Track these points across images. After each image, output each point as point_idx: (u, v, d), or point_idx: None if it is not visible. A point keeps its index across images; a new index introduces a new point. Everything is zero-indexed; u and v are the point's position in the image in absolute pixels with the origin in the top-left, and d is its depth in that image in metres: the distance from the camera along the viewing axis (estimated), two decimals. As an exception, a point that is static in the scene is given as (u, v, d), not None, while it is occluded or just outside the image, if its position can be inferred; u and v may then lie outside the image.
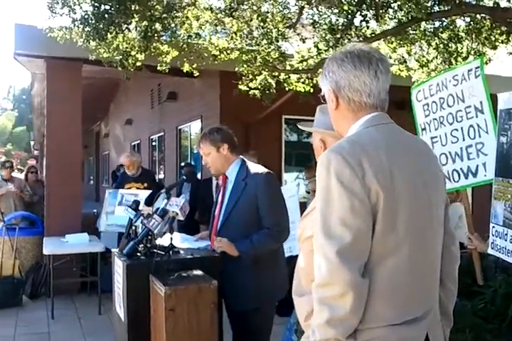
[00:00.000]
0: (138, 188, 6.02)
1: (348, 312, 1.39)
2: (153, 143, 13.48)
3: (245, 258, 2.85)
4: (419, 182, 1.52)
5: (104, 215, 5.74)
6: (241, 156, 3.12)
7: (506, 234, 3.08)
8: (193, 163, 10.22)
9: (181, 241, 3.17)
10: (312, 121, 2.40)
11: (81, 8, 5.33)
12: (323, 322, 1.42)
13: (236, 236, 2.89)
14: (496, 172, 3.17)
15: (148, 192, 5.76)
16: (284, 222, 3.01)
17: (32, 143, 29.86)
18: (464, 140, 3.32)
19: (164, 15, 5.20)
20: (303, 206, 5.99)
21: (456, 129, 3.43)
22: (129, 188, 6.09)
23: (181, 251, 2.94)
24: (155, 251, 2.77)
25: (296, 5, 5.90)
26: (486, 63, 6.55)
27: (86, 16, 5.30)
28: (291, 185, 5.72)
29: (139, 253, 2.79)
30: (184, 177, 3.41)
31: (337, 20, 5.75)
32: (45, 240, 6.07)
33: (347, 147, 1.47)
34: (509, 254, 2.97)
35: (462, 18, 6.34)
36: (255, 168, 3.05)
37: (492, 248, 3.05)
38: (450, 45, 6.35)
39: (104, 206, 5.81)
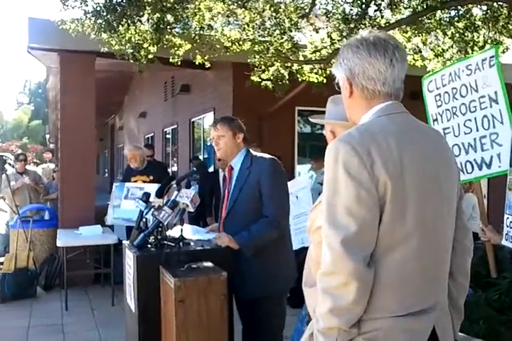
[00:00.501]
0: (144, 181, 5.97)
1: (350, 302, 1.38)
2: (167, 136, 13.51)
3: (245, 250, 2.84)
4: (431, 173, 1.49)
5: (111, 209, 5.73)
6: (246, 147, 3.13)
7: (522, 226, 3.02)
8: (206, 155, 10.24)
9: (192, 233, 3.15)
10: (324, 113, 2.37)
11: (93, 0, 5.32)
12: (326, 311, 1.41)
13: (241, 226, 2.89)
14: (511, 163, 3.11)
15: (154, 185, 5.73)
16: (283, 211, 2.98)
17: (47, 136, 30.14)
18: (477, 130, 3.26)
19: (176, 5, 5.16)
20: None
21: (470, 120, 3.37)
22: (136, 181, 6.05)
23: (191, 243, 2.92)
24: (165, 242, 2.75)
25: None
26: (504, 52, 6.44)
27: (98, 8, 5.29)
28: (304, 177, 5.68)
29: (149, 245, 2.78)
30: (194, 168, 3.38)
31: (351, 9, 5.67)
32: (59, 232, 6.11)
33: (356, 136, 1.44)
34: (524, 245, 2.92)
35: (479, 6, 6.23)
36: (259, 155, 3.08)
37: (506, 239, 2.99)
38: (466, 34, 6.24)
39: (111, 199, 5.81)
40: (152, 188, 5.64)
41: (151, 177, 6.02)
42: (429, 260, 1.48)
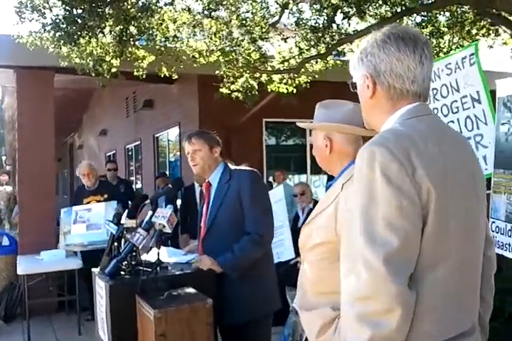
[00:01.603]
0: (99, 201, 5.69)
1: (393, 330, 1.18)
2: (130, 153, 13.16)
3: (230, 272, 2.62)
4: (470, 180, 1.33)
5: (62, 236, 5.41)
6: (223, 161, 2.94)
7: (510, 230, 2.90)
8: (171, 171, 9.95)
9: (168, 255, 2.90)
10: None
11: (51, 12, 5.04)
12: None
13: (222, 244, 2.67)
14: (495, 164, 3.01)
15: (101, 204, 5.46)
16: (266, 224, 2.76)
17: (3, 158, 29.15)
18: (461, 132, 3.15)
19: (139, 14, 4.93)
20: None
21: (452, 121, 3.27)
22: (89, 202, 5.75)
23: (170, 267, 2.67)
24: (141, 268, 2.49)
25: (277, 3, 5.69)
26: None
27: (57, 20, 5.01)
28: (278, 189, 5.50)
29: (122, 272, 2.50)
30: (169, 185, 3.13)
31: (318, 18, 5.57)
32: (19, 258, 5.71)
33: (392, 139, 1.26)
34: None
35: (442, 12, 6.26)
36: (238, 168, 2.90)
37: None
38: (432, 40, 6.26)
39: (61, 226, 5.49)
40: (99, 208, 5.40)
41: (106, 196, 5.73)
42: (470, 277, 1.32)
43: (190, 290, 2.39)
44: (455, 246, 1.27)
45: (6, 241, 6.76)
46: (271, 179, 8.46)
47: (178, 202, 6.77)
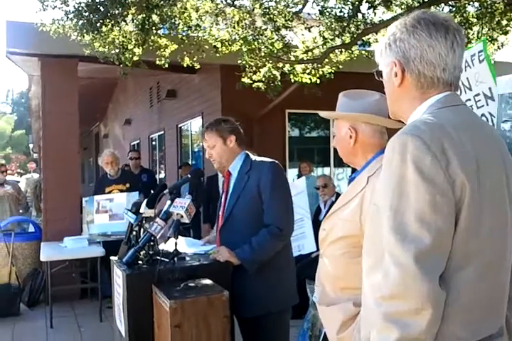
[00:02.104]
0: (121, 190, 5.71)
1: (423, 331, 1.13)
2: (153, 143, 13.23)
3: (247, 266, 2.56)
4: (502, 173, 1.26)
5: (85, 225, 5.46)
6: (245, 150, 2.85)
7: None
8: (194, 161, 9.97)
9: (187, 246, 2.88)
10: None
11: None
12: None
13: (240, 234, 2.62)
14: None
15: (123, 194, 5.49)
16: (286, 217, 2.68)
17: (31, 146, 29.64)
18: None
19: (162, 2, 4.90)
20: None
21: None
22: (111, 191, 5.77)
23: (187, 258, 2.65)
24: (158, 258, 2.48)
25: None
26: (498, 49, 6.32)
27: (79, 8, 5.02)
28: (301, 180, 5.44)
29: (140, 262, 2.50)
30: (188, 175, 3.09)
31: (343, 7, 5.46)
32: (43, 245, 5.79)
33: (426, 129, 1.19)
34: None
35: (471, 2, 6.09)
36: (259, 159, 2.79)
37: None
38: (461, 30, 6.07)
39: (84, 215, 5.54)
40: (121, 198, 5.43)
41: (128, 185, 5.76)
42: (499, 275, 1.26)
43: (207, 281, 2.37)
44: (487, 245, 1.21)
45: (31, 228, 6.88)
46: (296, 171, 8.40)
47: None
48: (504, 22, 6.12)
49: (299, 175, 7.65)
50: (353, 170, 2.14)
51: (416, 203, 1.15)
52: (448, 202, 1.15)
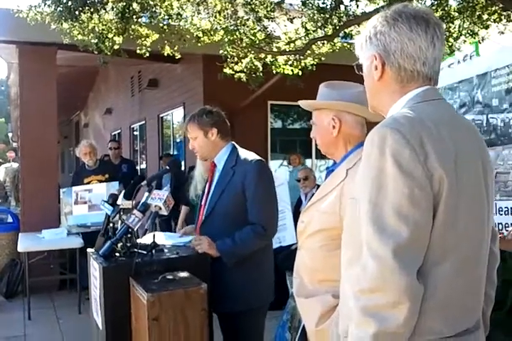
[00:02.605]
0: (100, 181, 5.67)
1: (400, 325, 1.14)
2: (135, 133, 13.11)
3: (226, 259, 2.55)
4: (479, 168, 1.27)
5: (63, 217, 5.39)
6: (232, 142, 2.81)
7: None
8: (175, 152, 9.91)
9: (165, 238, 2.86)
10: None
11: (52, -15, 4.93)
12: (368, 336, 1.15)
13: (220, 230, 2.60)
14: None
15: (102, 185, 5.44)
16: (271, 217, 2.66)
17: (10, 135, 29.21)
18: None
19: (142, -9, 4.83)
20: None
21: None
22: (90, 182, 5.73)
23: (165, 250, 2.63)
24: (135, 250, 2.45)
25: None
26: (479, 42, 6.35)
27: (58, -5, 4.91)
28: (281, 172, 5.46)
29: (117, 254, 2.47)
30: (167, 167, 3.06)
31: (326, -1, 5.44)
32: (21, 236, 5.72)
33: (405, 123, 1.19)
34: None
35: (454, -4, 6.11)
36: (246, 154, 2.74)
37: None
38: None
39: (62, 206, 5.47)
40: (100, 189, 5.38)
41: (107, 176, 5.71)
42: (476, 270, 1.27)
43: (185, 274, 2.36)
44: (464, 239, 1.21)
45: (9, 219, 6.78)
46: (285, 163, 8.39)
47: None
48: (485, 16, 6.14)
49: (290, 167, 7.68)
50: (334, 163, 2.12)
51: (394, 196, 1.14)
52: (426, 196, 1.15)
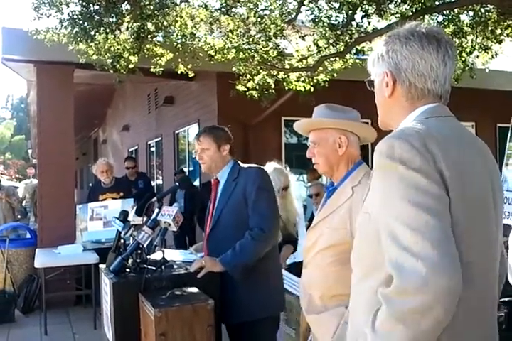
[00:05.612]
0: (114, 198, 5.75)
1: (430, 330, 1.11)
2: (151, 149, 13.24)
3: (229, 270, 2.55)
4: (489, 185, 1.27)
5: (79, 233, 5.47)
6: (234, 159, 2.90)
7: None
8: (191, 168, 9.99)
9: (175, 255, 2.90)
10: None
11: (68, 7, 5.07)
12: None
13: (227, 241, 2.63)
14: None
15: (117, 201, 5.51)
16: (269, 219, 2.67)
17: (30, 151, 29.66)
18: None
19: (156, 12, 4.93)
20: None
21: None
22: (104, 199, 5.81)
23: (175, 266, 2.67)
24: (145, 266, 2.49)
25: (295, 0, 5.64)
26: (493, 57, 6.35)
27: (74, 16, 5.05)
28: (296, 188, 5.45)
29: (127, 270, 2.52)
30: (177, 183, 3.12)
31: (337, 16, 5.49)
32: (38, 252, 5.80)
33: (413, 133, 1.21)
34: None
35: (465, 12, 6.11)
36: (246, 166, 2.84)
37: None
38: (454, 39, 6.10)
39: (77, 223, 5.55)
40: (115, 205, 5.45)
41: (121, 194, 5.79)
42: (486, 289, 1.26)
43: (193, 289, 2.39)
44: (476, 257, 1.19)
45: (27, 235, 6.88)
46: (302, 177, 8.37)
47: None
48: (498, 31, 6.14)
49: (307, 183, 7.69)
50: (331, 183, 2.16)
51: (423, 197, 1.13)
52: (445, 197, 1.16)
